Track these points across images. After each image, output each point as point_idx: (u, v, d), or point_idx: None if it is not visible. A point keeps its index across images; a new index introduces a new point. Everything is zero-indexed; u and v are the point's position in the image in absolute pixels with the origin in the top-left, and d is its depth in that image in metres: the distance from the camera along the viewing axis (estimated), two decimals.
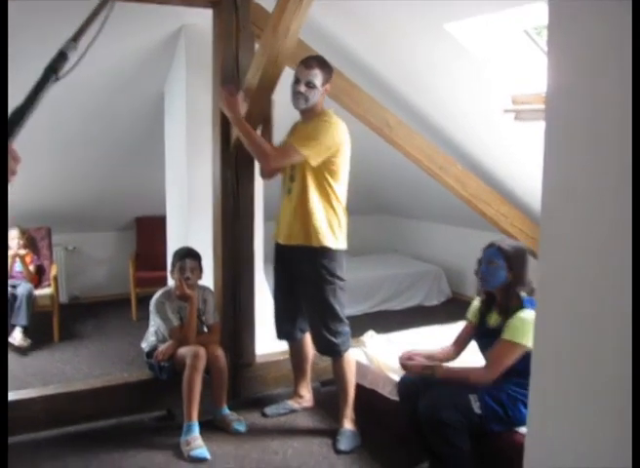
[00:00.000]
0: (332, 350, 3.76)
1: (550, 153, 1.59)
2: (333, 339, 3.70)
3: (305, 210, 3.61)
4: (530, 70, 4.34)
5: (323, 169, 3.57)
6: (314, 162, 3.52)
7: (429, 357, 3.42)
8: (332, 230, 3.64)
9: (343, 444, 3.69)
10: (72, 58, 1.55)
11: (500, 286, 3.22)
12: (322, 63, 3.55)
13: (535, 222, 4.39)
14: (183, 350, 3.78)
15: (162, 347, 3.86)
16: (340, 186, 3.67)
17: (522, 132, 4.50)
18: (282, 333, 4.04)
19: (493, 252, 3.23)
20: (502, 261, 3.19)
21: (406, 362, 3.31)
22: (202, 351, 3.75)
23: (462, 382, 3.10)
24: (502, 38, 4.23)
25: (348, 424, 3.82)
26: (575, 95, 1.51)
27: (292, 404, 4.13)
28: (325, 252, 3.64)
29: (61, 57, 1.52)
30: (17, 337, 5.39)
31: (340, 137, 3.58)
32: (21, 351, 5.34)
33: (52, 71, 1.48)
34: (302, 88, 3.52)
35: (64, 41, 1.57)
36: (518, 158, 4.91)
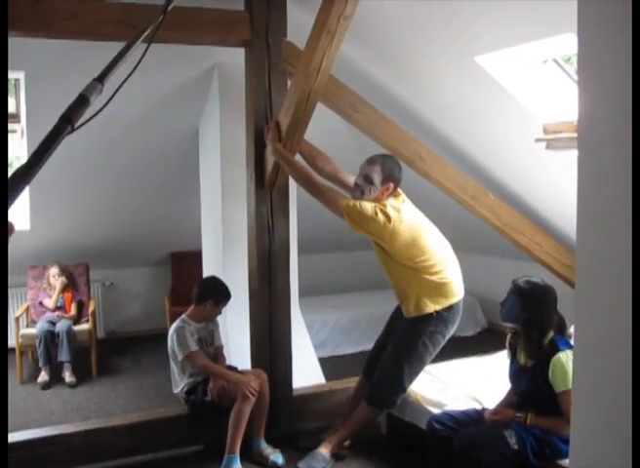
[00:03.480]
0: (373, 397, 3.79)
1: (584, 181, 1.60)
2: (382, 389, 3.76)
3: (394, 282, 3.77)
4: (560, 99, 4.34)
5: (388, 249, 3.61)
6: (351, 225, 3.52)
7: (504, 404, 3.38)
8: (423, 296, 3.67)
9: (306, 463, 3.74)
10: (95, 102, 1.39)
11: (515, 323, 3.22)
12: (386, 162, 3.59)
13: (570, 250, 4.35)
14: (242, 382, 3.78)
15: (212, 383, 3.87)
16: (418, 259, 3.63)
17: (554, 160, 4.48)
18: (365, 369, 4.07)
19: (511, 288, 3.26)
20: (516, 299, 3.19)
21: (494, 417, 3.24)
22: (256, 382, 3.77)
23: (552, 431, 3.04)
24: (532, 68, 4.24)
25: (326, 449, 3.83)
26: (606, 122, 1.51)
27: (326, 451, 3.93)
28: (419, 317, 3.70)
29: (81, 102, 1.35)
30: (67, 374, 5.52)
31: (383, 232, 3.52)
32: (70, 387, 5.45)
33: (66, 122, 1.31)
34: (360, 180, 3.59)
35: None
36: (551, 186, 4.89)
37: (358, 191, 3.60)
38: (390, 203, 3.58)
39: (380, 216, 3.47)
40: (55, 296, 5.82)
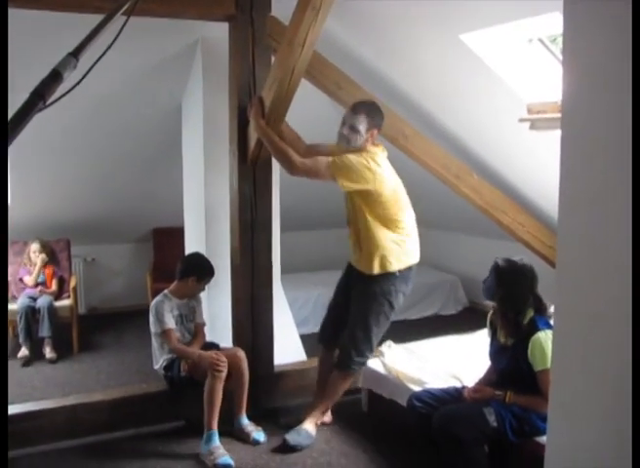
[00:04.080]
0: (344, 362, 3.82)
1: (566, 161, 1.60)
2: (352, 353, 3.78)
3: (361, 238, 3.73)
4: (545, 79, 4.34)
5: (370, 200, 3.62)
6: (342, 186, 3.54)
7: (484, 382, 3.40)
8: (388, 255, 3.70)
9: (293, 439, 3.79)
10: (70, 77, 1.34)
11: (492, 300, 3.25)
12: (370, 110, 3.58)
13: (552, 231, 4.38)
14: (204, 358, 3.79)
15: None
16: (393, 212, 3.69)
17: (538, 140, 4.49)
18: (322, 338, 4.09)
19: (491, 266, 3.28)
20: (493, 277, 3.21)
21: (474, 395, 3.25)
22: (223, 358, 3.77)
23: (531, 409, 3.07)
24: (517, 47, 4.24)
25: (310, 424, 3.89)
26: (590, 102, 1.52)
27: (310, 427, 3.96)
28: (382, 275, 3.73)
29: (54, 77, 1.30)
30: (47, 350, 5.52)
31: (379, 175, 3.55)
32: (51, 362, 5.46)
33: (38, 97, 1.26)
34: (346, 130, 3.57)
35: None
36: (534, 167, 4.91)
37: (344, 141, 3.60)
38: (374, 150, 3.63)
39: (371, 162, 3.53)
40: (35, 274, 5.79)
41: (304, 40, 3.35)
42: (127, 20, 1.50)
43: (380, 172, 3.56)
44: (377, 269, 3.71)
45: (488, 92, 4.51)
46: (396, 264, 3.72)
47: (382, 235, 3.69)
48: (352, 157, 3.53)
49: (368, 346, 3.81)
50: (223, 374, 3.72)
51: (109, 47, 1.45)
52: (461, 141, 5.29)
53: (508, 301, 3.18)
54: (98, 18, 1.44)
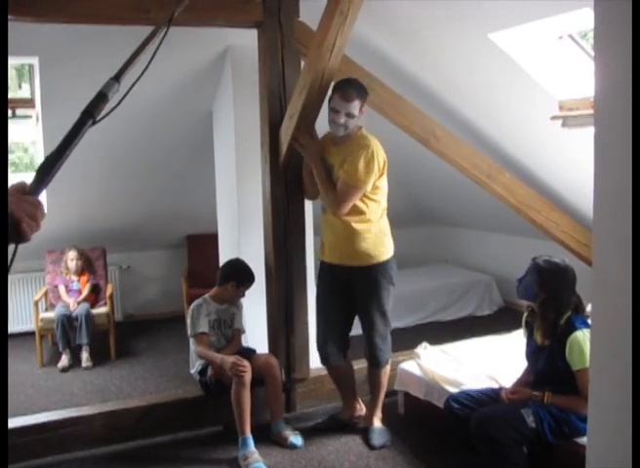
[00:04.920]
0: (377, 358, 3.89)
1: (600, 158, 1.59)
2: (380, 344, 3.85)
3: (348, 232, 3.72)
4: (576, 75, 4.30)
5: (371, 190, 3.66)
6: (369, 187, 3.62)
7: (521, 383, 3.38)
8: (380, 243, 3.76)
9: (376, 440, 3.90)
10: (113, 97, 1.51)
11: (531, 301, 3.21)
12: (360, 91, 3.57)
13: (586, 228, 4.32)
14: (226, 363, 3.78)
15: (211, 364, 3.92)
16: (382, 196, 3.76)
17: (570, 138, 4.45)
18: (327, 357, 4.00)
19: (530, 266, 3.23)
20: (535, 277, 3.16)
21: (512, 396, 3.24)
22: (245, 363, 3.77)
23: (569, 409, 3.05)
24: (547, 44, 4.20)
25: (378, 422, 4.02)
26: (622, 98, 1.50)
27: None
28: (379, 264, 3.75)
29: (100, 98, 1.48)
30: (83, 358, 5.58)
31: (383, 158, 3.66)
32: (87, 370, 5.52)
33: (88, 116, 1.44)
34: (343, 119, 3.55)
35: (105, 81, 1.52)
36: (567, 164, 4.86)
37: (342, 129, 3.59)
38: (364, 135, 3.69)
39: (371, 153, 3.59)
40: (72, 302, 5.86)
41: (333, 44, 3.36)
42: (157, 48, 1.63)
43: (381, 152, 3.65)
44: (375, 259, 3.74)
45: (519, 90, 4.48)
46: (389, 251, 3.81)
47: (377, 222, 3.75)
48: (354, 160, 3.58)
49: (388, 329, 3.90)
50: (246, 379, 3.72)
51: (147, 67, 1.61)
52: (493, 140, 5.26)
53: (551, 303, 3.14)
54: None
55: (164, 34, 1.63)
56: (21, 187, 1.36)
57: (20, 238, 1.31)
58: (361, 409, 4.17)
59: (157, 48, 1.61)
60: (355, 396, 4.18)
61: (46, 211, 1.36)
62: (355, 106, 3.52)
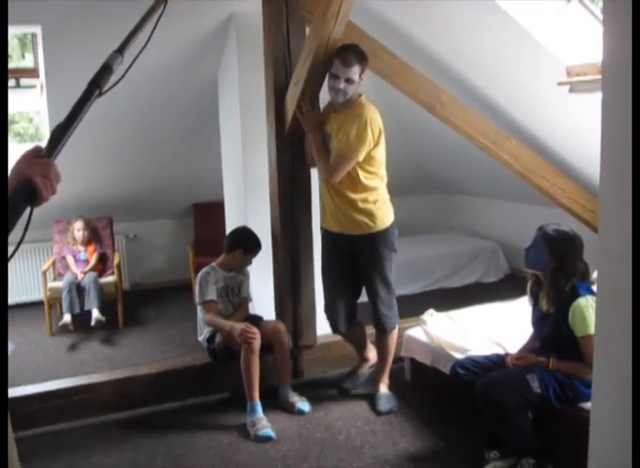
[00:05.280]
0: (382, 324, 3.94)
1: (607, 124, 1.58)
2: (384, 311, 3.90)
3: (347, 201, 3.75)
4: (585, 40, 4.25)
5: (368, 158, 3.67)
6: (362, 157, 3.62)
7: (526, 349, 3.40)
8: (380, 211, 3.78)
9: (382, 405, 3.94)
10: (117, 69, 1.55)
11: (542, 270, 3.19)
12: (360, 57, 3.54)
13: (593, 195, 4.31)
14: (235, 329, 3.80)
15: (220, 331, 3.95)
16: (379, 167, 3.75)
17: (577, 103, 4.42)
18: (338, 326, 4.06)
19: (538, 235, 3.20)
20: (545, 246, 3.15)
21: (517, 362, 3.25)
22: (254, 329, 3.81)
23: (574, 375, 3.06)
24: (555, 8, 4.15)
25: (384, 388, 4.07)
26: (631, 64, 1.48)
27: (363, 371, 4.27)
28: (380, 232, 3.78)
29: (106, 70, 1.51)
30: (94, 315, 5.57)
31: (378, 127, 3.64)
32: (99, 323, 5.57)
33: (95, 86, 1.48)
34: (342, 85, 3.54)
35: (110, 53, 1.56)
36: (574, 130, 4.83)
37: (341, 95, 3.59)
38: (363, 103, 3.68)
39: (367, 119, 3.58)
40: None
41: (338, 11, 3.33)
42: (163, 10, 1.68)
43: (376, 121, 3.63)
44: (379, 225, 3.77)
45: (526, 56, 4.44)
46: (391, 216, 3.85)
47: (381, 189, 3.78)
48: (348, 128, 3.59)
49: (393, 296, 3.94)
50: (255, 345, 3.75)
51: (148, 41, 1.66)
52: (499, 106, 5.23)
53: (561, 271, 3.13)
54: None
55: (163, 8, 1.67)
56: (36, 151, 1.39)
57: (36, 198, 1.33)
58: (374, 356, 4.24)
59: (157, 22, 1.65)
60: (366, 345, 4.27)
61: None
62: (355, 71, 3.51)
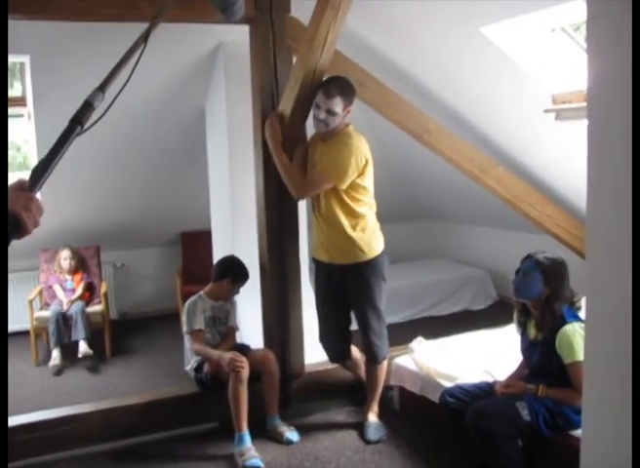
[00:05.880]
0: (374, 354, 3.92)
1: (594, 151, 1.58)
2: (375, 341, 3.87)
3: (336, 230, 3.74)
4: (569, 68, 4.30)
5: (348, 187, 3.66)
6: (343, 185, 3.61)
7: (516, 377, 3.39)
8: (369, 239, 3.77)
9: (372, 434, 3.89)
10: (99, 106, 1.57)
11: (535, 299, 3.19)
12: (343, 89, 3.56)
13: (581, 222, 4.33)
14: (224, 359, 3.77)
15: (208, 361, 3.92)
16: (367, 196, 3.76)
17: (564, 131, 4.46)
18: (336, 356, 4.11)
19: (530, 264, 3.19)
20: (539, 274, 3.15)
21: (507, 390, 3.24)
22: (242, 358, 3.77)
23: (563, 402, 3.05)
24: (540, 37, 4.20)
25: (373, 417, 4.03)
26: (616, 91, 1.50)
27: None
28: (369, 262, 3.77)
29: (87, 107, 1.53)
30: (81, 348, 5.50)
31: (363, 155, 3.64)
32: (87, 358, 5.49)
33: (76, 123, 1.50)
34: (323, 115, 3.56)
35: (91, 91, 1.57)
36: (561, 158, 4.87)
37: (322, 125, 3.62)
38: (349, 132, 3.69)
39: (352, 147, 3.60)
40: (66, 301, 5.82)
41: (325, 40, 3.37)
42: (144, 49, 1.69)
43: (363, 151, 3.64)
44: (368, 255, 3.76)
45: (511, 83, 4.48)
46: (381, 244, 3.84)
47: (369, 217, 3.78)
48: (334, 153, 3.61)
49: (383, 325, 3.92)
50: (244, 374, 3.72)
51: (129, 78, 1.67)
52: (486, 134, 5.26)
53: (555, 298, 3.13)
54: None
55: (143, 47, 1.69)
56: (19, 185, 1.41)
57: (21, 230, 1.36)
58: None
59: (137, 61, 1.67)
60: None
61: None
62: (337, 103, 3.52)
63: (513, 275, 3.30)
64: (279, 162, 3.75)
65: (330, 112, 3.54)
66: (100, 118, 1.59)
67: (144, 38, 1.69)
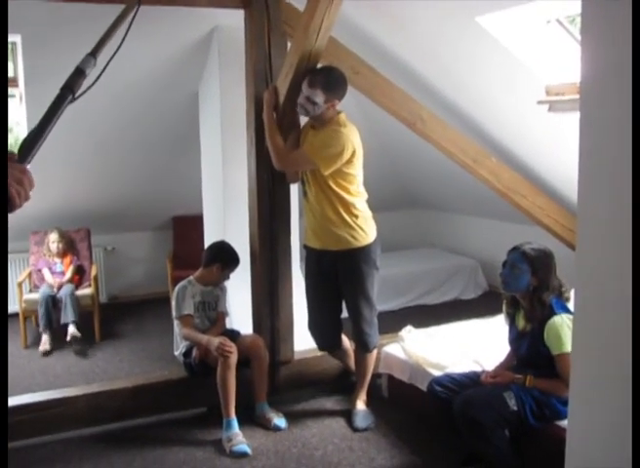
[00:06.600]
0: (364, 342, 3.92)
1: (586, 143, 1.58)
2: (366, 329, 3.87)
3: (327, 216, 3.73)
4: (563, 60, 4.29)
5: (336, 175, 3.64)
6: (326, 171, 3.58)
7: (504, 367, 3.41)
8: (361, 226, 3.75)
9: (359, 422, 3.92)
10: (90, 73, 1.52)
11: (523, 290, 3.19)
12: (329, 84, 3.52)
13: (572, 214, 4.34)
14: (212, 344, 3.77)
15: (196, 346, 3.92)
16: (356, 184, 3.74)
17: (557, 122, 4.46)
18: (325, 344, 4.12)
19: (516, 256, 3.19)
20: (526, 266, 3.15)
21: (493, 379, 3.25)
22: (230, 343, 3.77)
23: (550, 392, 3.07)
24: (535, 29, 4.19)
25: (361, 405, 4.05)
26: (608, 84, 1.50)
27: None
28: (361, 249, 3.75)
29: (79, 74, 1.48)
30: (70, 331, 5.48)
31: (351, 145, 3.60)
32: (75, 340, 5.46)
33: (68, 90, 1.44)
34: (302, 100, 3.56)
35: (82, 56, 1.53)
36: (553, 149, 4.87)
37: (302, 110, 3.62)
38: (340, 120, 3.66)
39: (340, 135, 3.58)
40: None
41: (320, 26, 3.34)
42: (136, 13, 1.64)
43: (352, 140, 3.60)
44: (361, 241, 3.75)
45: (506, 74, 4.47)
46: (373, 232, 3.82)
47: (360, 204, 3.75)
48: (322, 136, 3.60)
49: (374, 313, 3.92)
50: (232, 360, 3.72)
51: (121, 43, 1.61)
52: (479, 124, 5.26)
53: (544, 288, 3.14)
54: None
55: (136, 10, 1.64)
56: (10, 157, 1.36)
57: (11, 204, 1.30)
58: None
59: (130, 24, 1.62)
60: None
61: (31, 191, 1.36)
62: (317, 95, 3.50)
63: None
64: (268, 126, 3.73)
65: (309, 100, 3.53)
66: (92, 85, 1.54)
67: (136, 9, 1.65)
